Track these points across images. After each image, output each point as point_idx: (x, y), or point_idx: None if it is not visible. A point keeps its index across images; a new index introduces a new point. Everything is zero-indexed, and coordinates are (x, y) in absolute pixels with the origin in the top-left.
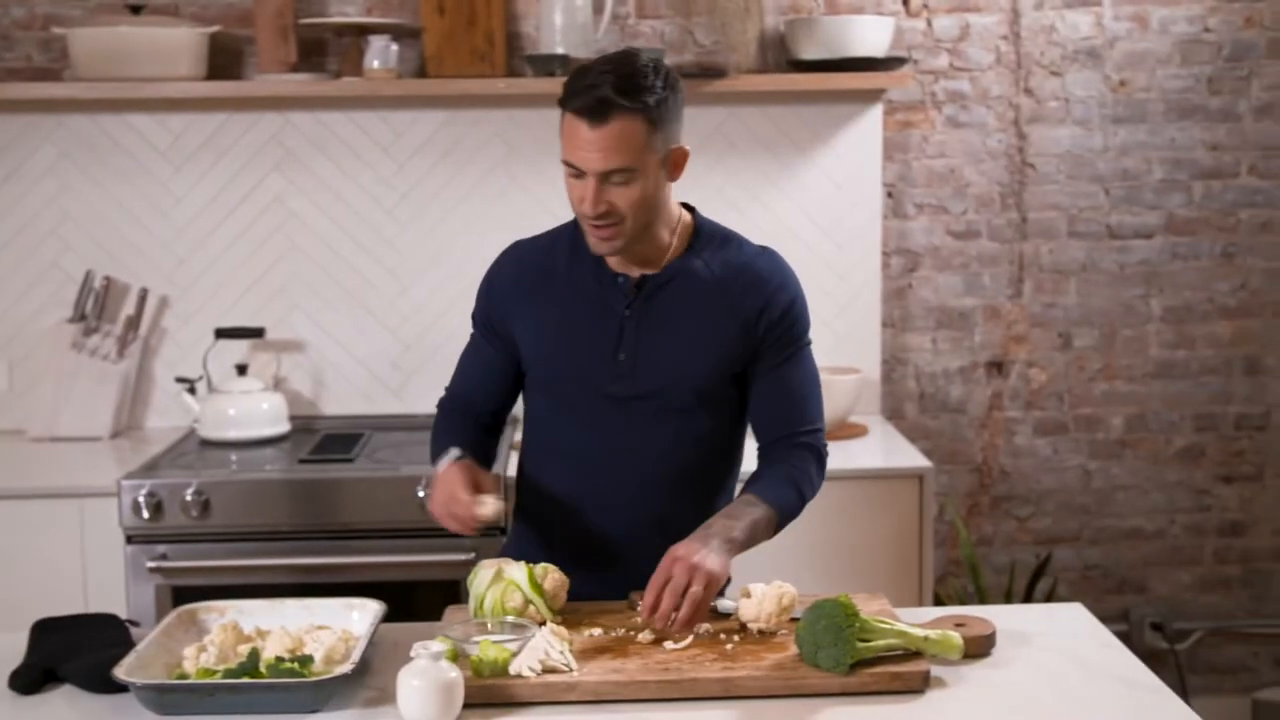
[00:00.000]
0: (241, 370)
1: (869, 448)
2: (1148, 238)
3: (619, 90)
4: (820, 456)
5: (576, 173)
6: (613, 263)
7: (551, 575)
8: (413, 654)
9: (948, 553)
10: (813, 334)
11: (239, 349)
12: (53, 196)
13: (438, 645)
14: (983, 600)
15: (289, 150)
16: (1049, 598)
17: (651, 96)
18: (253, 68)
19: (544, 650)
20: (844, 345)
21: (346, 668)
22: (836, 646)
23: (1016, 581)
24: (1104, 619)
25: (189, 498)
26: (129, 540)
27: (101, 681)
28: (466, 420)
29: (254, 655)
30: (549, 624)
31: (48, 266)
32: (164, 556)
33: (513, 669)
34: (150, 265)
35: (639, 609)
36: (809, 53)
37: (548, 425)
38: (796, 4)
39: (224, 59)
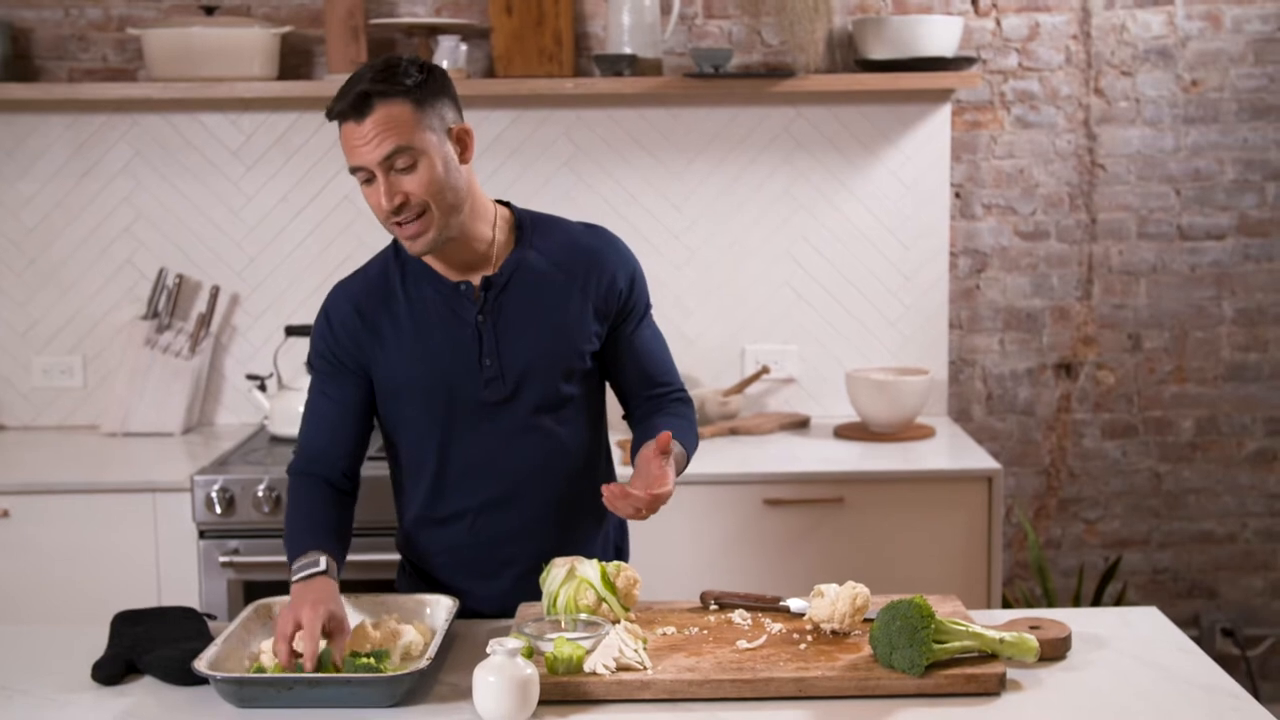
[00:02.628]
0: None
1: (937, 449)
2: (1219, 239)
3: (375, 80)
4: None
5: (366, 176)
6: (446, 271)
7: (624, 573)
8: (489, 650)
9: (1014, 555)
10: (879, 334)
11: (307, 347)
12: (127, 195)
13: (514, 642)
14: (1050, 603)
15: None
16: (1118, 602)
17: (408, 79)
18: (323, 68)
19: (618, 648)
20: (910, 346)
21: (422, 663)
22: (912, 648)
23: (1085, 585)
24: (1174, 624)
25: (261, 493)
26: (201, 535)
27: (181, 674)
28: (325, 494)
29: (327, 653)
30: (623, 622)
31: (121, 264)
32: (236, 551)
33: (587, 666)
34: (221, 263)
35: (711, 605)
36: (877, 52)
37: (427, 455)
38: (864, 3)
39: (295, 59)
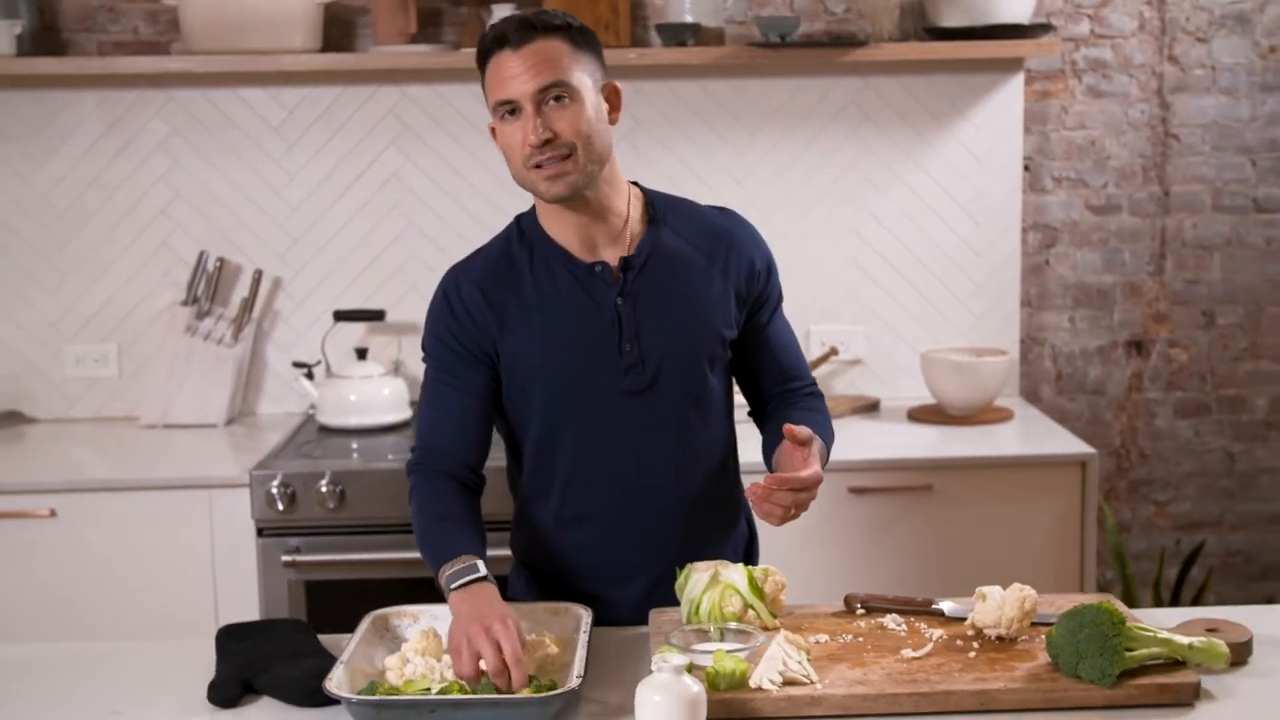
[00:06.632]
0: (361, 354)
1: (1019, 432)
2: None
3: (533, 17)
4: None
5: (511, 112)
6: (579, 250)
7: (772, 578)
8: (654, 668)
9: None
10: (948, 313)
11: (356, 332)
12: (162, 174)
13: (678, 658)
14: (1129, 589)
15: (406, 125)
16: (1201, 588)
17: (565, 22)
18: (368, 39)
19: (782, 660)
20: (981, 325)
21: (574, 682)
22: (1102, 657)
23: (1165, 570)
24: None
25: (324, 488)
26: (260, 533)
27: (304, 694)
28: (456, 490)
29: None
30: (784, 632)
31: (158, 247)
32: (298, 550)
33: (752, 682)
34: (263, 245)
35: (857, 609)
36: (949, 19)
37: (559, 450)
38: None
39: (339, 30)
